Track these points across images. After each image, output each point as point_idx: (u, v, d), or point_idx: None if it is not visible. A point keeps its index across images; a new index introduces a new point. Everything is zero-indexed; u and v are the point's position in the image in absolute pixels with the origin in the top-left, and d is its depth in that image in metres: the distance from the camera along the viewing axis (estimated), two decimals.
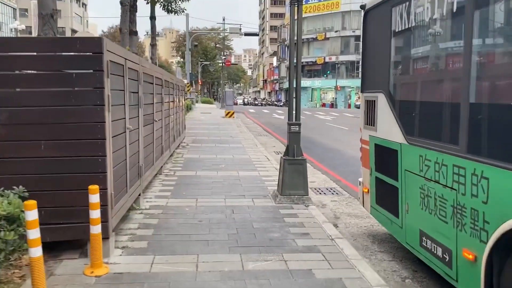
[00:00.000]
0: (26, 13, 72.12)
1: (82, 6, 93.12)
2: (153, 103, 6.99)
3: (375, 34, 5.08)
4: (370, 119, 5.14)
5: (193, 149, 11.94)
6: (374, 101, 4.94)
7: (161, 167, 8.19)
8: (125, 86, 4.80)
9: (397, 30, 4.45)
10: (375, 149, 4.97)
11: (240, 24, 33.75)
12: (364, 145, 5.43)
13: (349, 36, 59.46)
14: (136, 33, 15.57)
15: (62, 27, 78.65)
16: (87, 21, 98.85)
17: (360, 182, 5.59)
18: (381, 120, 4.81)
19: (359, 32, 58.39)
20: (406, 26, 4.25)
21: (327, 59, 60.73)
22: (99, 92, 3.90)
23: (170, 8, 18.95)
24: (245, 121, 25.79)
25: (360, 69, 5.32)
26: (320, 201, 7.06)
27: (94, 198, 3.64)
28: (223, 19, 36.38)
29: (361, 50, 5.67)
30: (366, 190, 5.27)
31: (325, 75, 61.49)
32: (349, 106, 58.65)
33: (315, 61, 62.23)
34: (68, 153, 3.91)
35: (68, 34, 66.83)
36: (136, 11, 15.66)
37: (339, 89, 58.08)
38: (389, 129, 4.56)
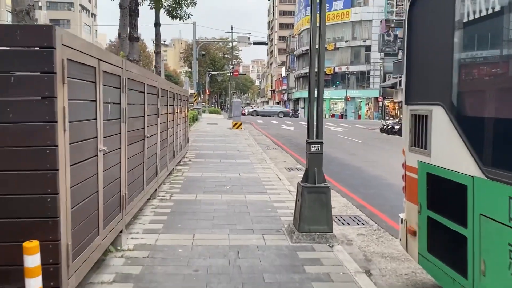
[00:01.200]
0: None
1: (92, 16, 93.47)
2: (144, 116, 5.84)
3: (428, 28, 3.86)
4: (419, 140, 3.92)
5: (195, 165, 10.76)
6: (427, 116, 3.72)
7: (156, 190, 7.01)
8: (98, 95, 3.64)
9: (465, 21, 3.25)
10: (427, 180, 3.74)
11: (249, 33, 32.83)
12: (409, 172, 4.19)
13: (359, 46, 58.35)
14: (137, 39, 14.53)
15: None
16: (96, 31, 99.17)
17: (402, 219, 4.34)
18: (437, 142, 3.58)
19: (369, 42, 57.43)
20: (481, 13, 3.05)
21: (336, 69, 59.59)
22: (49, 103, 2.74)
23: (175, 14, 17.97)
24: (253, 132, 24.62)
25: (404, 75, 4.13)
26: (345, 235, 5.81)
27: (32, 260, 2.45)
28: (231, 28, 35.53)
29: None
30: (413, 232, 4.03)
31: (334, 86, 60.32)
32: (359, 117, 57.33)
33: (325, 71, 61.04)
34: (2, 191, 2.74)
35: None
36: (138, 16, 14.64)
37: (349, 99, 56.81)
38: (451, 154, 3.34)
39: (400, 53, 31.87)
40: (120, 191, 4.50)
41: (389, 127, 26.68)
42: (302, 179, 5.27)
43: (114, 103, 4.26)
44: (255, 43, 33.65)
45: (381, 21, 55.17)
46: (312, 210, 4.96)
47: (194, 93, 33.65)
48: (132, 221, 5.54)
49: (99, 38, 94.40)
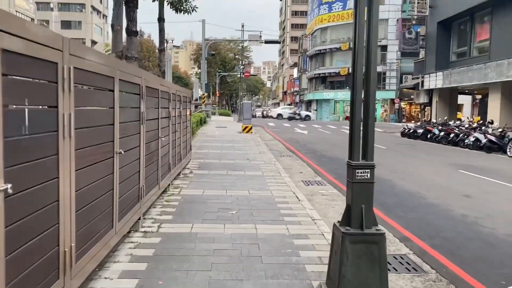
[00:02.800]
0: None
1: (103, 18, 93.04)
2: (113, 125, 4.18)
3: None
4: None
5: (197, 179, 9.09)
6: None
7: (139, 219, 5.35)
8: None
9: None
10: None
11: (260, 31, 31.17)
12: None
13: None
14: (136, 33, 12.93)
15: (83, 38, 78.06)
16: (107, 32, 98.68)
17: None
18: None
19: (385, 42, 55.32)
20: None
21: (351, 70, 57.49)
22: None
23: (180, 7, 16.38)
24: (265, 136, 22.93)
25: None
26: None
27: None
28: (242, 26, 33.85)
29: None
30: None
31: (348, 87, 58.28)
32: (375, 119, 55.14)
33: (338, 72, 59.15)
34: None
35: (88, 45, 65.63)
36: (137, 8, 13.04)
37: (365, 101, 54.55)
38: None
39: (422, 52, 29.90)
40: (58, 244, 2.84)
41: (411, 131, 24.77)
42: (341, 220, 3.53)
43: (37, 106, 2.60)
44: (266, 42, 31.94)
45: (397, 20, 53.04)
46: (358, 269, 3.24)
47: (203, 94, 32.07)
48: (99, 268, 3.88)
49: (110, 39, 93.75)
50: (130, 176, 4.94)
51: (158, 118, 6.61)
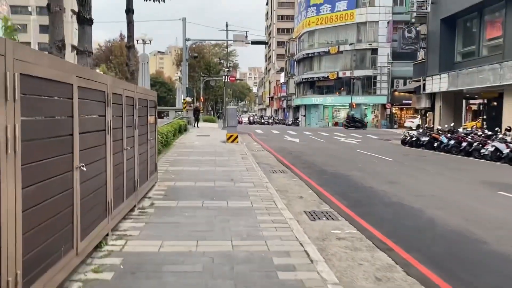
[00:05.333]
0: None
1: None
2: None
3: None
4: None
5: (157, 218, 6.32)
6: None
7: None
8: None
9: None
10: None
11: (246, 31, 28.52)
12: None
13: (365, 49, 54.24)
14: (89, 21, 10.14)
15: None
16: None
17: None
18: None
19: (376, 45, 53.30)
20: None
21: (340, 74, 55.38)
22: None
23: None
24: (252, 146, 20.23)
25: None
26: None
27: None
28: (226, 25, 31.10)
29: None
30: None
31: (338, 92, 56.06)
32: (366, 124, 52.92)
33: (327, 77, 56.91)
34: None
35: (69, 49, 62.21)
36: None
37: (354, 106, 52.45)
38: None
39: (423, 52, 27.60)
40: None
41: (413, 139, 22.34)
42: None
43: None
44: (253, 42, 29.28)
45: (388, 22, 51.15)
46: None
47: (184, 99, 29.23)
48: None
49: (94, 44, 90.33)
50: None
51: (90, 131, 3.95)
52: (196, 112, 30.91)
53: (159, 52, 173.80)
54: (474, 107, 30.21)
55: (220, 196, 7.94)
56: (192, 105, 33.74)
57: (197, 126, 30.75)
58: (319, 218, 7.18)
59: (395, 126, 50.13)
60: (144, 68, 25.73)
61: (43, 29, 75.88)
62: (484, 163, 15.69)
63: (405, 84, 47.48)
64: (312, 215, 7.36)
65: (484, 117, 24.29)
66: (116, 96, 5.25)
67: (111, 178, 5.00)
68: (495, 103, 22.91)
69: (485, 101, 24.62)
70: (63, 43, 8.30)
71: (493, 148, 15.95)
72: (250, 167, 12.02)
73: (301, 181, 10.92)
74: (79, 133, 3.84)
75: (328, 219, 7.19)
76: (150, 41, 30.50)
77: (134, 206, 6.56)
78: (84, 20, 9.96)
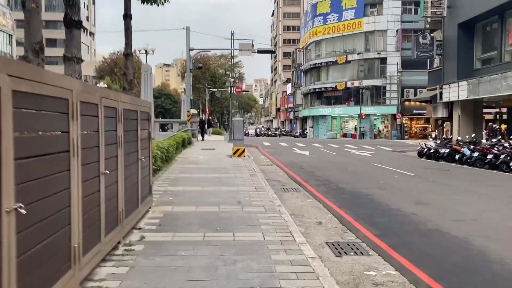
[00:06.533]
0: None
1: (90, 35, 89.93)
2: None
3: None
4: None
5: (145, 259, 5.04)
6: None
7: None
8: None
9: None
10: None
11: (252, 40, 27.44)
12: None
13: (374, 58, 53.07)
14: (78, 24, 9.01)
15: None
16: (94, 50, 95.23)
17: None
18: None
19: (384, 54, 52.09)
20: None
21: (348, 84, 54.15)
22: None
23: None
24: (260, 160, 18.97)
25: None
26: None
27: None
28: (232, 34, 30.06)
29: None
30: None
31: (346, 102, 54.77)
32: (375, 136, 51.53)
33: (335, 87, 55.69)
34: None
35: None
36: None
37: (363, 117, 51.10)
38: None
39: (438, 60, 26.30)
40: None
41: (431, 151, 20.95)
42: None
43: None
44: (259, 51, 28.17)
45: (397, 31, 50.02)
46: None
47: (188, 111, 28.10)
48: None
49: (97, 57, 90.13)
50: None
51: (50, 154, 2.69)
52: (201, 124, 29.74)
53: (165, 64, 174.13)
54: (490, 116, 28.83)
55: (225, 225, 6.65)
56: (199, 117, 32.59)
57: (203, 139, 29.55)
58: (346, 253, 5.87)
59: (406, 137, 48.67)
60: (147, 79, 24.66)
61: (50, 42, 75.74)
62: None
63: (415, 94, 46.12)
64: (336, 249, 6.06)
65: (505, 125, 22.85)
66: (88, 106, 4.02)
67: (78, 216, 3.75)
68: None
69: (504, 110, 23.24)
70: (41, 45, 7.15)
71: None
72: (259, 185, 10.73)
73: (317, 202, 9.62)
74: (16, 159, 2.61)
75: (357, 253, 5.88)
76: (153, 51, 29.47)
77: (119, 242, 5.30)
78: (72, 23, 8.84)
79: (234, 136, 18.75)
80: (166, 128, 37.70)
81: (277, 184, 11.92)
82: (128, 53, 14.38)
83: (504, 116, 23.94)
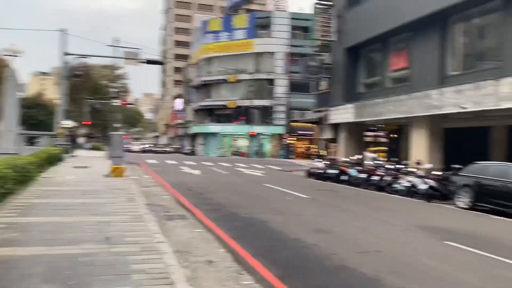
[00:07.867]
0: None
1: None
2: None
3: None
4: None
5: None
6: None
7: None
8: None
9: None
10: None
11: (138, 49, 25.26)
12: None
13: (263, 79, 54.17)
14: None
15: None
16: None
17: None
18: None
19: (273, 76, 53.44)
20: None
21: (239, 103, 54.24)
22: None
23: None
24: (143, 180, 16.93)
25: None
26: None
27: None
28: (116, 41, 27.28)
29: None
30: None
31: (237, 120, 54.72)
32: (263, 155, 52.15)
33: (226, 105, 55.36)
34: None
35: None
36: None
37: (254, 135, 51.45)
38: None
39: (325, 82, 27.09)
40: None
41: (320, 172, 21.08)
42: None
43: None
44: (149, 62, 26.03)
45: (285, 54, 51.74)
46: None
47: (59, 123, 24.61)
48: None
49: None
50: None
51: None
52: (73, 138, 26.35)
53: (42, 73, 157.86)
54: (369, 139, 30.64)
55: (83, 276, 4.81)
56: (71, 129, 28.94)
57: (74, 155, 26.15)
58: None
59: (292, 156, 50.06)
60: (11, 85, 21.07)
61: None
62: (401, 200, 14.58)
63: (302, 115, 47.86)
64: None
65: (386, 148, 24.17)
66: None
67: None
68: (396, 135, 22.87)
69: (387, 133, 24.65)
70: None
71: (410, 184, 14.99)
72: (137, 214, 8.90)
73: (207, 233, 8.19)
74: None
75: None
76: (19, 53, 25.42)
77: None
78: None
79: (112, 154, 16.44)
80: (34, 142, 32.99)
81: (160, 210, 10.22)
82: None
83: (383, 140, 25.38)
